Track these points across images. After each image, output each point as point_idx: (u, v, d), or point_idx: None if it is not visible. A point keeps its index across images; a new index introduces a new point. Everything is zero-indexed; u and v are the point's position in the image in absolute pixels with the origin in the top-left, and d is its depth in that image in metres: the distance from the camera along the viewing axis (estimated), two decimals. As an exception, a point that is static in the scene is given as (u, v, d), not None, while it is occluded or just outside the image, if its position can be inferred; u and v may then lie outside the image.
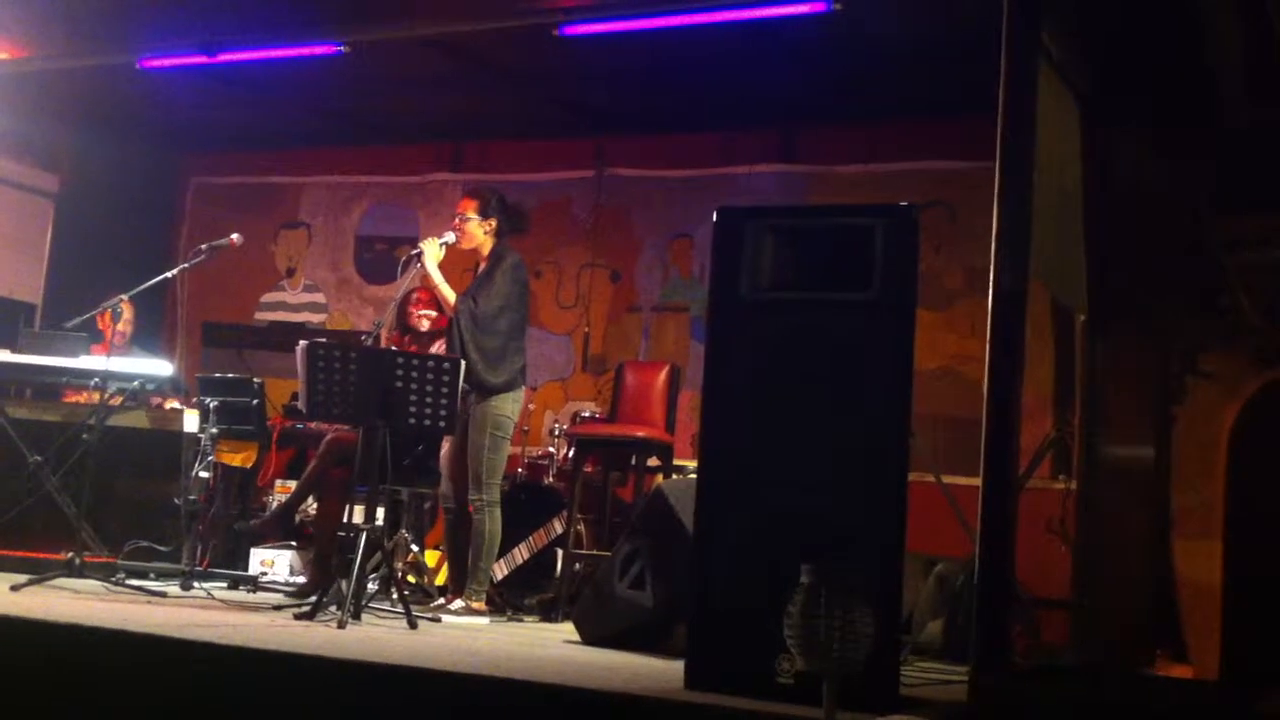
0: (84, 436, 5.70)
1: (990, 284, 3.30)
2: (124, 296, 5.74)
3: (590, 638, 4.71)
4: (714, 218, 3.58)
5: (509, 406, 5.56)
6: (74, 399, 6.66)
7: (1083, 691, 3.22)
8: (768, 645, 3.07)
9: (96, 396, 6.04)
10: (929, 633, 5.14)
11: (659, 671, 3.73)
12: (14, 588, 4.89)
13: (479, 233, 5.69)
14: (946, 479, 5.01)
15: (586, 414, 7.17)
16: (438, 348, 5.89)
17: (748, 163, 8.22)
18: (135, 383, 6.20)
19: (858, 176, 7.89)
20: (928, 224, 3.56)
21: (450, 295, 5.57)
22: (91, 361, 6.20)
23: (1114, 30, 4.11)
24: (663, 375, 6.60)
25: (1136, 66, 4.31)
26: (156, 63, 7.24)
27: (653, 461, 6.45)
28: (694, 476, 4.26)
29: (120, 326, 6.71)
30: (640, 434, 6.23)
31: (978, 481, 3.20)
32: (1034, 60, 3.44)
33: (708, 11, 6.20)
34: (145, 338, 7.39)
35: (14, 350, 6.38)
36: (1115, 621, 4.42)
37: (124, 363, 6.27)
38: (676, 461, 6.41)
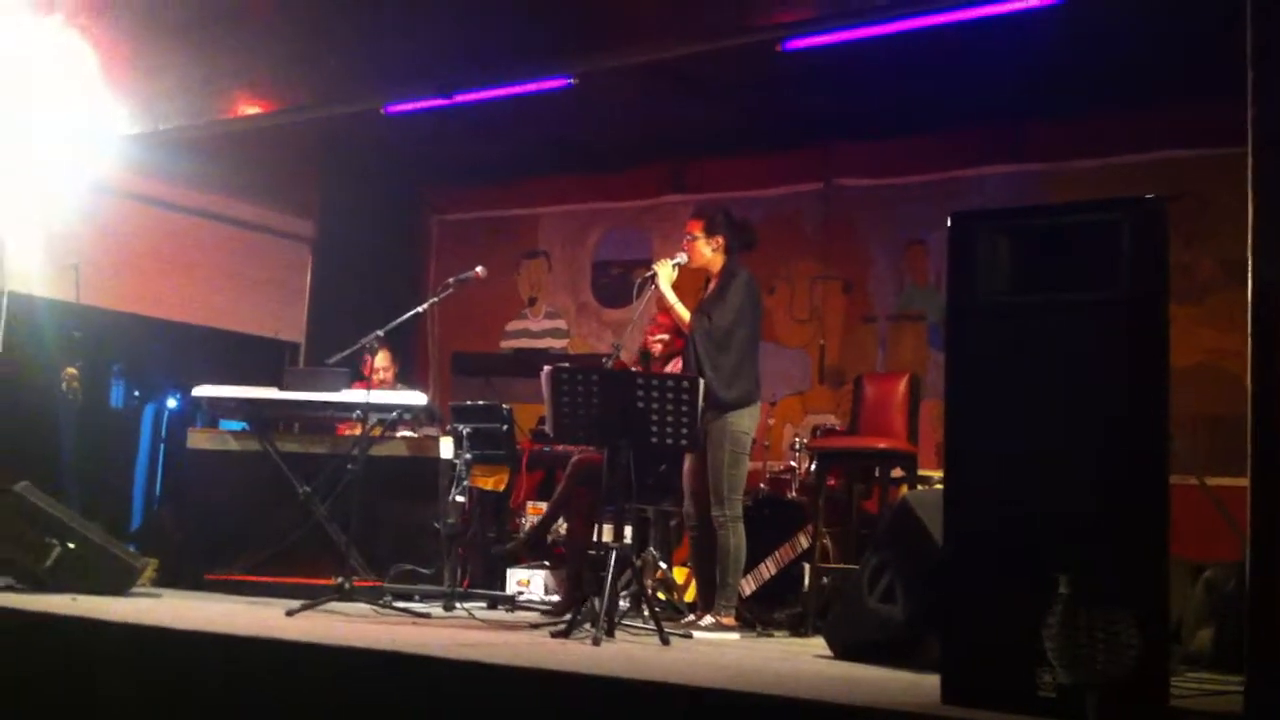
0: (349, 466, 6.00)
1: (1249, 273, 3.14)
2: (379, 333, 5.99)
3: (841, 651, 4.68)
4: (948, 223, 3.52)
5: (746, 421, 5.58)
6: (345, 431, 7.01)
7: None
8: (1027, 657, 3.00)
9: (359, 428, 6.35)
10: (1198, 642, 4.90)
11: (914, 685, 3.68)
12: (289, 612, 5.16)
13: (706, 250, 5.75)
14: (1211, 480, 4.78)
15: (827, 427, 7.13)
16: (671, 369, 5.96)
17: (978, 164, 8.05)
18: (393, 413, 6.50)
19: (1094, 171, 7.62)
20: (1176, 216, 3.40)
21: (685, 314, 5.64)
22: (351, 395, 6.52)
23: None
24: (902, 385, 6.51)
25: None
26: (400, 107, 7.56)
27: (896, 472, 6.37)
28: (940, 487, 4.19)
29: (380, 375, 6.99)
30: (882, 445, 6.16)
31: (1245, 482, 3.05)
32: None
33: (933, 14, 6.10)
34: (401, 370, 7.74)
35: (280, 388, 6.77)
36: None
37: (381, 395, 6.58)
38: (921, 472, 6.31)
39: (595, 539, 5.32)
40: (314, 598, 5.43)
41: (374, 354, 6.11)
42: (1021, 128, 7.90)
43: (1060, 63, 6.82)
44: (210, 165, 8.43)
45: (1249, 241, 3.15)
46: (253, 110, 7.35)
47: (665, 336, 6.12)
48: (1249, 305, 3.13)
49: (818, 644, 5.01)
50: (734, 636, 5.37)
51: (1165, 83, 6.86)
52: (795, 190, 8.81)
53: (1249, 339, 3.11)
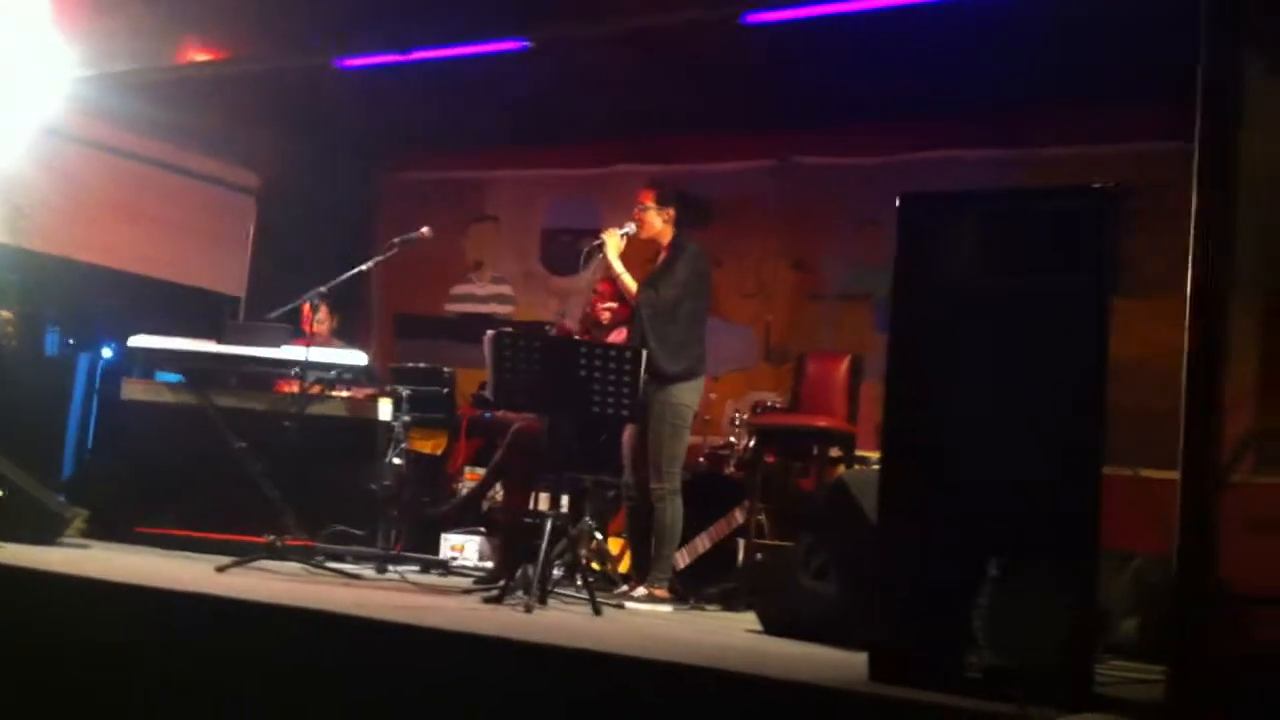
0: (285, 424, 5.93)
1: (1189, 271, 3.16)
2: (322, 289, 5.92)
3: (773, 627, 4.70)
4: (897, 204, 3.52)
5: (688, 395, 5.58)
6: (284, 388, 6.93)
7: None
8: (955, 638, 3.02)
9: (298, 385, 6.28)
10: (1124, 630, 4.98)
11: (842, 662, 3.70)
12: (219, 569, 5.11)
13: (657, 221, 5.73)
14: (1143, 473, 4.85)
15: (768, 404, 7.15)
16: (616, 338, 5.94)
17: (938, 148, 8.04)
18: (332, 372, 6.44)
19: (1061, 160, 7.59)
20: (1137, 209, 3.40)
21: (632, 285, 5.63)
22: (291, 352, 6.44)
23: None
24: (844, 365, 6.54)
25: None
26: (351, 62, 7.45)
27: (834, 452, 6.41)
28: (877, 467, 4.21)
29: (316, 328, 6.93)
30: (821, 424, 6.19)
31: (1176, 475, 3.08)
32: (1234, 35, 3.27)
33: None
34: (342, 328, 7.65)
35: (219, 341, 6.67)
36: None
37: (321, 353, 6.50)
38: (859, 452, 6.36)
39: (532, 507, 5.31)
40: (245, 555, 5.38)
41: (315, 309, 6.05)
42: (982, 113, 7.86)
43: (1030, 48, 6.76)
44: (158, 112, 8.26)
45: (1190, 239, 3.17)
46: (203, 58, 7.24)
47: (614, 304, 6.10)
48: (1188, 302, 3.15)
49: (749, 619, 5.03)
50: (666, 609, 5.39)
51: (1137, 74, 6.83)
52: (753, 167, 8.77)
53: (1186, 335, 3.14)
